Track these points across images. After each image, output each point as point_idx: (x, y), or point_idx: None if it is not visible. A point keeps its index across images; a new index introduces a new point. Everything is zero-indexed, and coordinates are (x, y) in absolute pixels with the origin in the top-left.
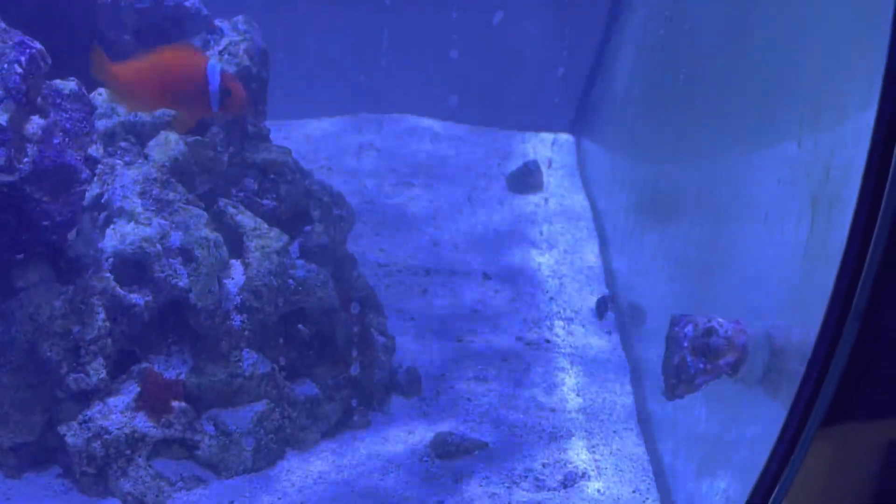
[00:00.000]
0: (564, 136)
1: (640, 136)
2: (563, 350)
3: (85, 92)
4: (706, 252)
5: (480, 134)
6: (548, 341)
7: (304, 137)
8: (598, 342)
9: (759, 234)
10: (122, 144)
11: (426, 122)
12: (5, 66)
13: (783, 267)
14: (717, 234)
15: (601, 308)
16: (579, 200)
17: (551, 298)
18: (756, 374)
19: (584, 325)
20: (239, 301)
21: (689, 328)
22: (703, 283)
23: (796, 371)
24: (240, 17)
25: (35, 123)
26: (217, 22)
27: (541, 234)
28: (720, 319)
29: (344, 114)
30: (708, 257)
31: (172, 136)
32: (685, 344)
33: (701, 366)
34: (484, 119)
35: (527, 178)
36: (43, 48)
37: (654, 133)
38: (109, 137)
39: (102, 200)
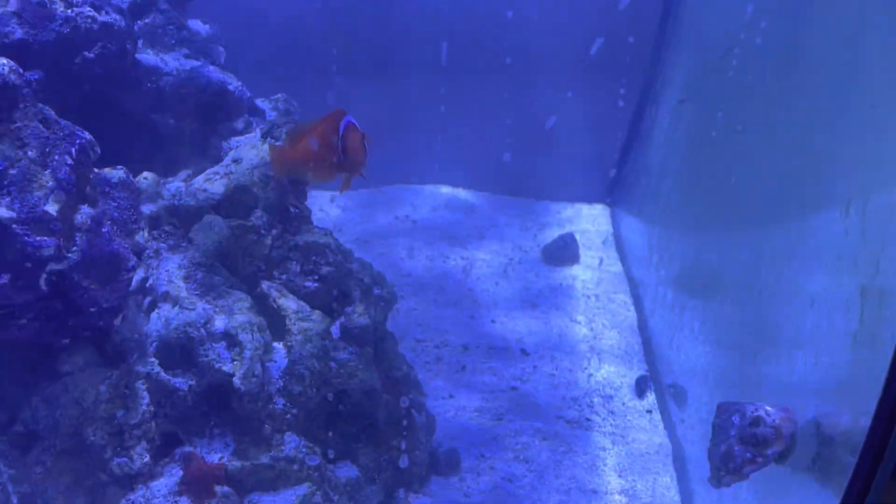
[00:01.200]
0: (600, 208)
1: (678, 211)
2: (603, 429)
3: (132, 179)
4: (750, 333)
5: (516, 205)
6: (588, 420)
7: (340, 209)
8: (639, 421)
9: (807, 318)
10: (167, 228)
11: (462, 193)
12: (56, 157)
13: (832, 354)
14: (761, 315)
15: (641, 386)
16: (616, 274)
17: (590, 375)
18: (804, 462)
19: (624, 404)
20: (281, 384)
21: (737, 417)
22: (746, 364)
23: (845, 461)
24: (280, 96)
25: (84, 213)
26: (258, 102)
27: (577, 307)
28: (767, 408)
29: (380, 185)
30: (752, 338)
31: (216, 220)
32: (732, 433)
33: (748, 455)
34: (520, 190)
35: (563, 251)
36: (92, 138)
37: (693, 207)
38: (154, 221)
39: (147, 284)
